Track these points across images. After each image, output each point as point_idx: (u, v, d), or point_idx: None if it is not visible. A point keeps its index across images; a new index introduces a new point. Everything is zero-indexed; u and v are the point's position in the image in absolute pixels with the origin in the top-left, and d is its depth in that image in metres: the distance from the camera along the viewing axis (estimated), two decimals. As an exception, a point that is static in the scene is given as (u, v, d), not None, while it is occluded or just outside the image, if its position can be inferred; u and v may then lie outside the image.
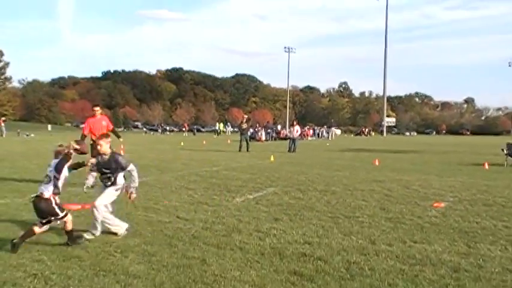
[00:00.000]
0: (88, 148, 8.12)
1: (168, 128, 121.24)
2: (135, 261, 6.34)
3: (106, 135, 8.09)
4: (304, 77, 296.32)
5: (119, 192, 8.00)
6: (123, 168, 7.92)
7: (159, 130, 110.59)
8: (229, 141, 49.03)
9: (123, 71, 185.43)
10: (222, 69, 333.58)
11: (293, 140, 34.07)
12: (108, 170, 7.84)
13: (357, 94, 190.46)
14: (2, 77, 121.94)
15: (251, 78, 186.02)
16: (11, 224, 8.53)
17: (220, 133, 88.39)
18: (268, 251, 6.92)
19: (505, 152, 22.63)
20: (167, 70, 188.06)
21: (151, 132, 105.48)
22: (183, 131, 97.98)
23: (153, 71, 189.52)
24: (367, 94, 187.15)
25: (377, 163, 22.29)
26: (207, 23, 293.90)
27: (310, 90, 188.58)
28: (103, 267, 6.04)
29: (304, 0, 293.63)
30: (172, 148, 36.28)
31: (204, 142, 47.17)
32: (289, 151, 32.81)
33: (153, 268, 6.04)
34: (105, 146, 7.87)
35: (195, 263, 6.27)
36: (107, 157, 7.87)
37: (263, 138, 55.22)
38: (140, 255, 6.59)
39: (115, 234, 7.66)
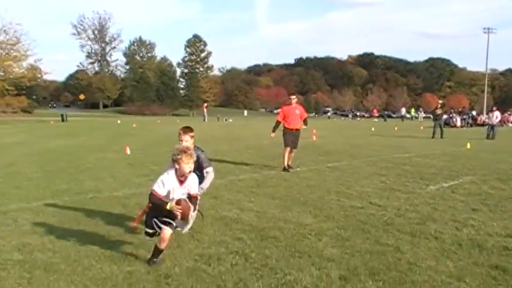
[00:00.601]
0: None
1: (358, 113, 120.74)
2: (328, 244, 6.47)
3: (190, 129, 7.08)
4: (505, 59, 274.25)
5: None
6: (201, 168, 6.97)
7: (350, 115, 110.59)
8: (422, 127, 47.43)
9: (315, 57, 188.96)
10: (415, 53, 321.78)
11: (492, 126, 32.05)
12: None
13: None
14: (205, 65, 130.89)
15: (445, 62, 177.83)
16: (214, 201, 9.25)
17: (412, 118, 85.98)
18: (466, 242, 6.62)
19: None
20: (358, 55, 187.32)
21: (342, 118, 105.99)
22: (373, 117, 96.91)
23: (344, 57, 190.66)
24: None
25: None
26: (400, 6, 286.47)
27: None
28: (298, 249, 6.26)
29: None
30: (363, 134, 36.07)
31: (396, 128, 46.21)
32: (487, 138, 30.92)
33: (346, 252, 6.11)
34: (189, 142, 6.95)
35: (388, 250, 6.23)
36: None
37: (458, 124, 52.52)
38: (334, 239, 6.70)
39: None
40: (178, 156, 5.56)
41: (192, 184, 5.81)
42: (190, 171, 5.66)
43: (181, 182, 5.69)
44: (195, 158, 5.75)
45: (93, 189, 10.55)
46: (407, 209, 8.72)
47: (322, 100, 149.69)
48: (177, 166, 5.61)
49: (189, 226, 5.85)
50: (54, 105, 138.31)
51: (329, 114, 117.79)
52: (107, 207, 8.67)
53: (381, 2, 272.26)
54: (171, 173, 5.68)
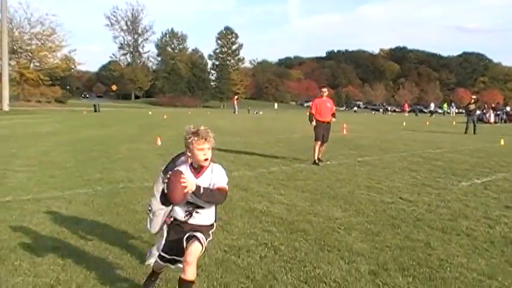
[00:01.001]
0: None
1: (389, 108, 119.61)
2: (358, 239, 6.44)
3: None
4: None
5: None
6: None
7: (381, 110, 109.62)
8: (454, 122, 46.80)
9: (346, 50, 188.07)
10: (448, 47, 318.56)
11: (527, 122, 31.47)
12: None
13: None
14: (236, 58, 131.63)
15: (480, 57, 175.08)
16: (244, 193, 9.29)
17: (444, 113, 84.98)
18: (499, 239, 6.52)
19: None
20: (391, 49, 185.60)
21: (373, 112, 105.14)
22: (404, 111, 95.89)
23: (376, 51, 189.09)
24: None
25: None
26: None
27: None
28: (327, 243, 6.24)
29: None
30: (394, 128, 35.77)
31: (428, 123, 45.69)
32: (522, 135, 30.38)
33: (376, 247, 6.07)
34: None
35: (419, 245, 6.17)
36: None
37: (492, 120, 51.68)
38: (363, 234, 6.67)
39: None
40: (189, 140, 4.19)
41: (214, 178, 4.23)
42: (206, 159, 4.22)
43: (196, 173, 4.24)
44: (213, 143, 4.27)
45: (124, 179, 10.69)
46: (439, 205, 8.62)
47: (353, 94, 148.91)
48: (189, 153, 4.25)
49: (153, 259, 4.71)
50: (87, 95, 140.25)
51: (355, 108, 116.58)
52: (137, 197, 8.76)
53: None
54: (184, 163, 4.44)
